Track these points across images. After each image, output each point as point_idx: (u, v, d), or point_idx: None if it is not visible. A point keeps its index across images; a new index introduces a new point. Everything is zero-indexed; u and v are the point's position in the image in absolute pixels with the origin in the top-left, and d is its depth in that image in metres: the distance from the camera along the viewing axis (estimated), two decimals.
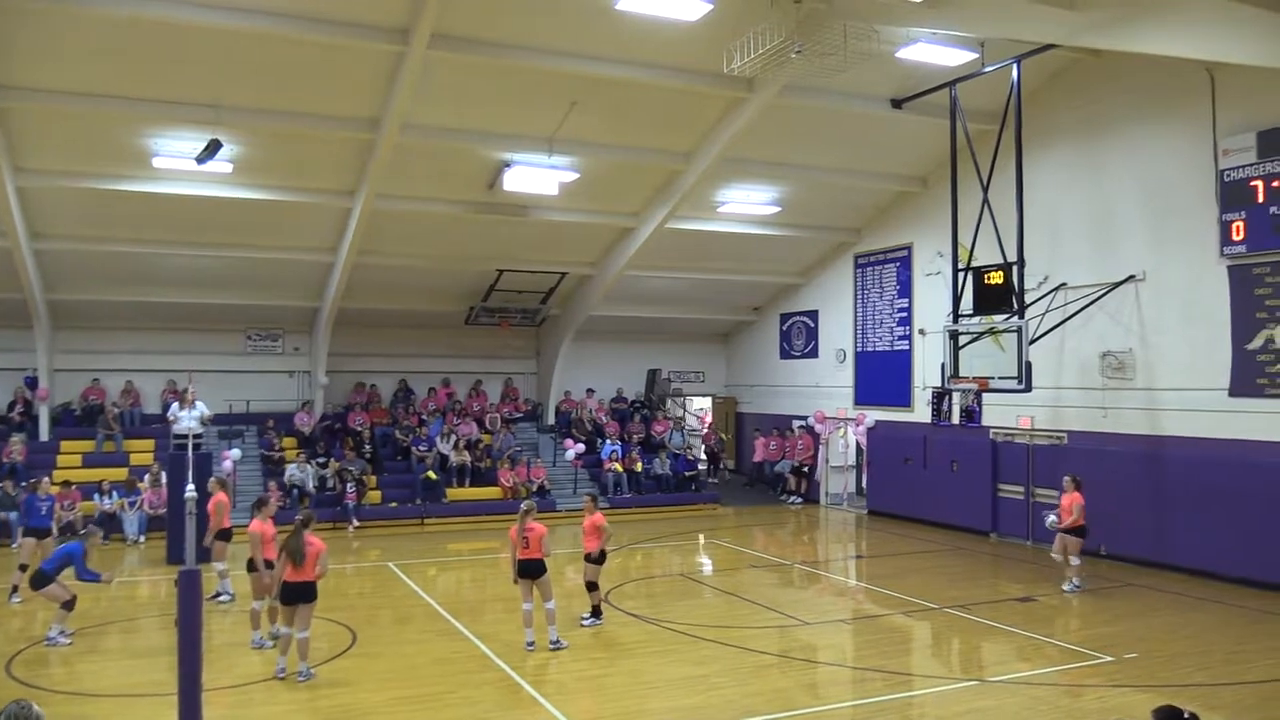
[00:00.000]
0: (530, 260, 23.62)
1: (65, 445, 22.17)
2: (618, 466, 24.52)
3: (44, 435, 22.35)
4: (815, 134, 20.02)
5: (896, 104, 19.10)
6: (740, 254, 24.79)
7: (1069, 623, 13.63)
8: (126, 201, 19.07)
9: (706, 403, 31.28)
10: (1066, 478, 15.68)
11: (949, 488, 21.28)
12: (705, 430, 29.73)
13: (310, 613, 10.74)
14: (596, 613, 13.14)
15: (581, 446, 24.86)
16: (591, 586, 13.13)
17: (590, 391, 27.28)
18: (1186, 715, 4.89)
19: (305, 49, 15.63)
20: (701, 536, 21.65)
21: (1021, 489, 19.72)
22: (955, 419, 20.22)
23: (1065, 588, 15.03)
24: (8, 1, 13.82)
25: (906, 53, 16.33)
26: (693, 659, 11.65)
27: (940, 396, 20.62)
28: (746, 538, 21.26)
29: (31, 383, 22.54)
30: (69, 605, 12.20)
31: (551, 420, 26.84)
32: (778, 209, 22.90)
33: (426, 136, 18.15)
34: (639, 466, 24.94)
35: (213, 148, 16.59)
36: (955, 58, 16.90)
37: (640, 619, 13.50)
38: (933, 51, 16.45)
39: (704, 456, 28.49)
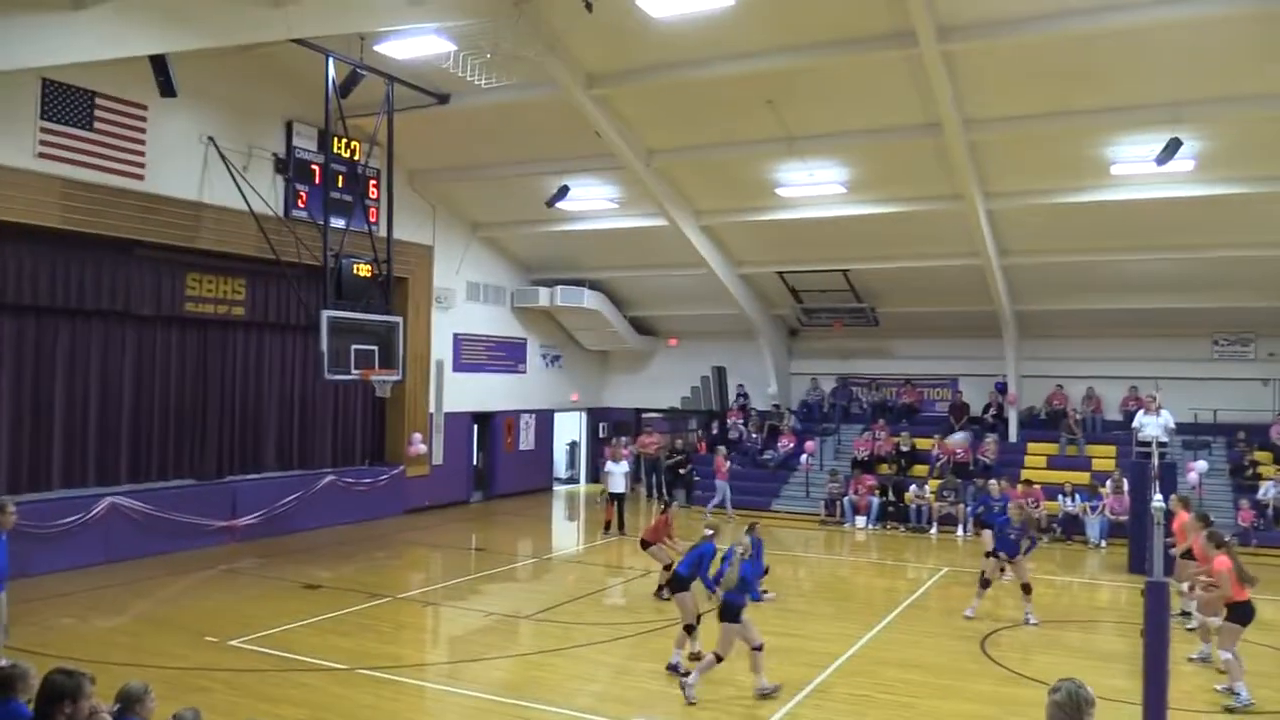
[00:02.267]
0: None
1: (1031, 447, 23.53)
2: None
3: (1012, 437, 24.06)
4: None
5: None
6: None
7: None
8: (1083, 212, 19.50)
9: None
10: None
11: None
12: None
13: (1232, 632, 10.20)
14: None
15: None
16: None
17: None
18: None
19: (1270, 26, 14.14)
20: None
21: None
22: None
23: None
24: (968, 45, 15.31)
25: None
26: None
27: None
28: None
29: (1002, 388, 24.45)
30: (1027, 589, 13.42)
31: None
32: None
33: None
34: None
35: (1172, 147, 16.10)
36: None
37: None
38: None
39: None
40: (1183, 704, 9.67)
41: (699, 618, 11.08)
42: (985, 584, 13.76)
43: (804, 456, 23.90)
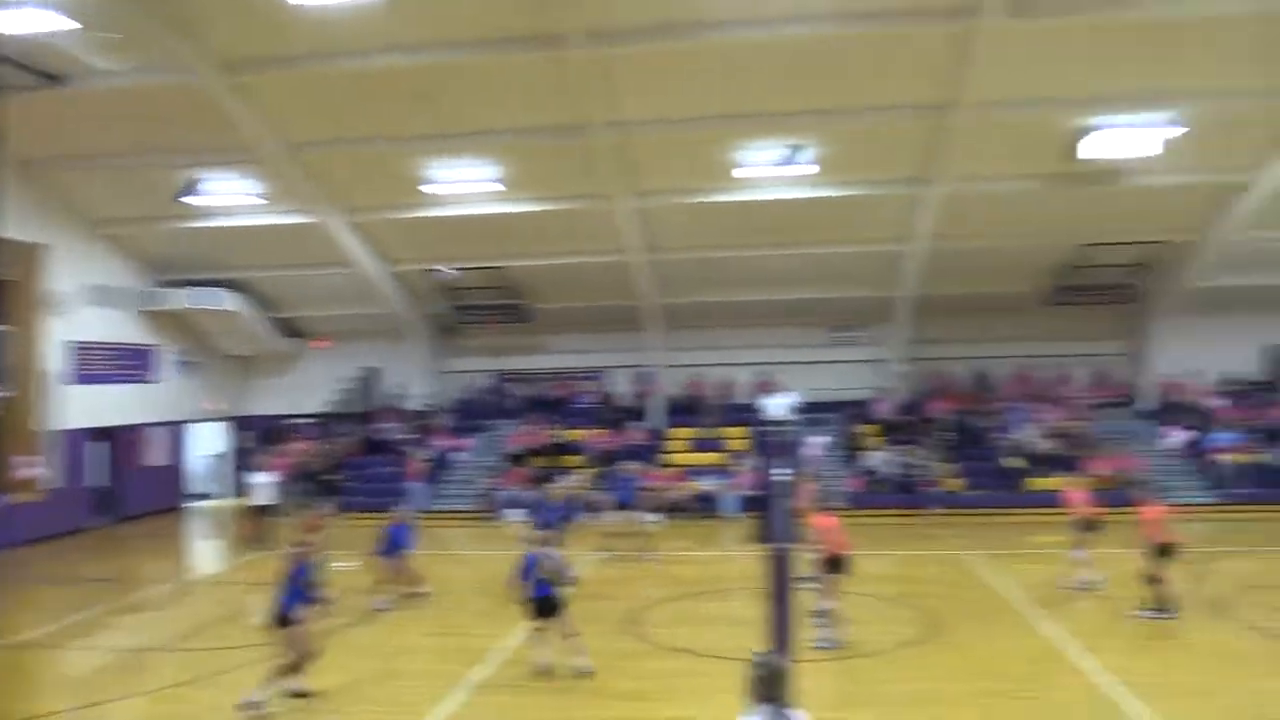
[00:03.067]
0: (1117, 231, 21.66)
1: (673, 432, 25.04)
2: (1232, 457, 21.49)
3: (657, 423, 25.44)
4: None
5: None
6: None
7: None
8: (720, 211, 21.00)
9: None
10: None
11: None
12: None
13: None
14: (1162, 607, 12.46)
15: (1187, 434, 22.21)
16: (1154, 580, 12.54)
17: (1195, 372, 24.22)
18: None
19: (873, 44, 16.06)
20: None
21: None
22: None
23: None
24: (613, 50, 16.02)
25: None
26: None
27: None
28: None
29: (647, 377, 25.77)
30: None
31: (1149, 405, 24.34)
32: None
33: (998, 111, 17.51)
34: (1260, 457, 21.62)
35: (793, 152, 17.69)
36: None
37: (1262, 631, 11.74)
38: None
39: None
40: (805, 656, 10.71)
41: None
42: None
43: (460, 454, 23.88)
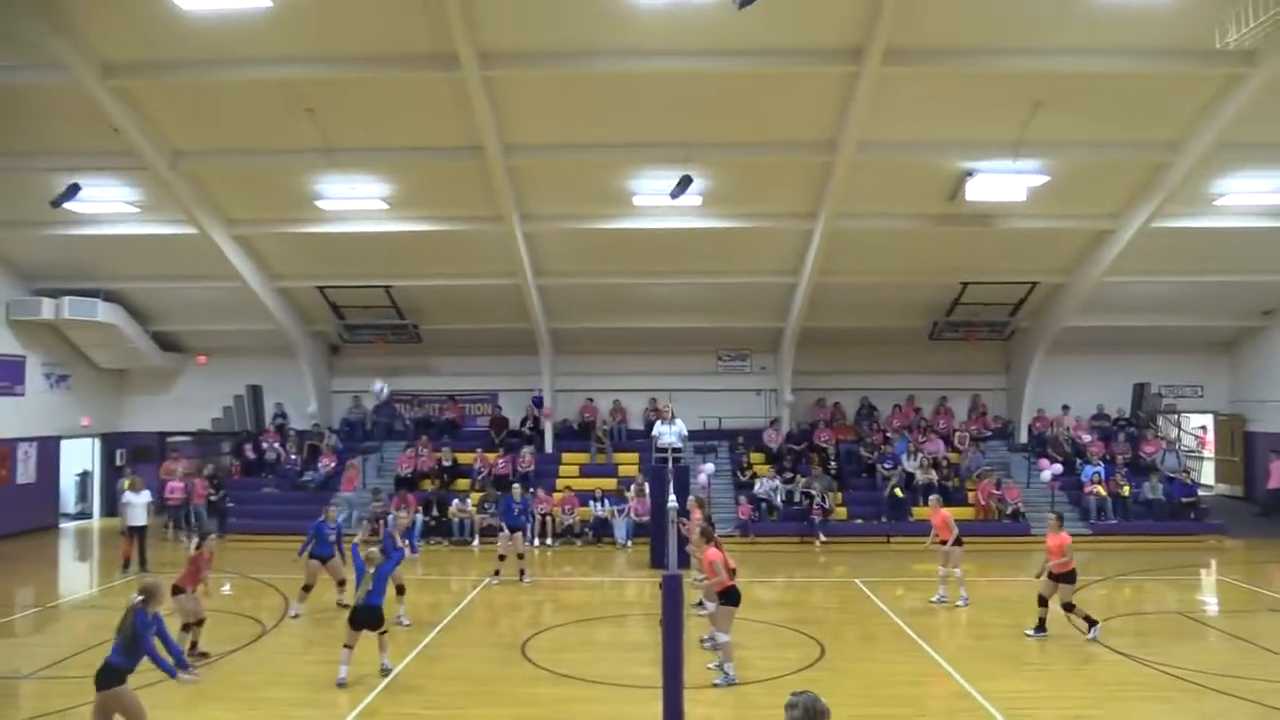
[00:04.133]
0: (996, 271, 22.54)
1: (565, 457, 24.90)
2: (1100, 490, 22.50)
3: (548, 448, 25.29)
4: None
5: None
6: (1244, 251, 21.59)
7: None
8: (610, 238, 21.09)
9: (1206, 420, 27.72)
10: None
11: None
12: None
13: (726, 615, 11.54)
14: (1090, 622, 13.25)
15: (1059, 467, 23.16)
16: (1069, 608, 13.29)
17: (1066, 408, 25.33)
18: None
19: (763, 81, 16.39)
20: (1204, 571, 19.23)
21: None
22: None
23: None
24: (509, 73, 16.01)
25: None
26: (1196, 710, 10.36)
27: None
28: (1262, 575, 18.48)
29: (538, 402, 25.62)
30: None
31: (1024, 439, 25.31)
32: None
33: (883, 153, 18.07)
34: (1126, 491, 22.69)
35: (684, 183, 17.91)
36: None
37: (1130, 659, 12.25)
38: None
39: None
40: (697, 682, 10.74)
41: None
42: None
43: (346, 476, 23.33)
